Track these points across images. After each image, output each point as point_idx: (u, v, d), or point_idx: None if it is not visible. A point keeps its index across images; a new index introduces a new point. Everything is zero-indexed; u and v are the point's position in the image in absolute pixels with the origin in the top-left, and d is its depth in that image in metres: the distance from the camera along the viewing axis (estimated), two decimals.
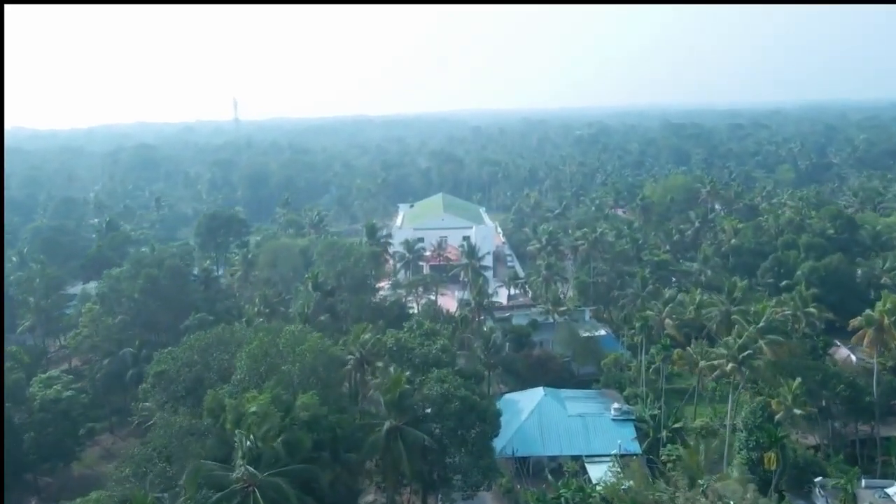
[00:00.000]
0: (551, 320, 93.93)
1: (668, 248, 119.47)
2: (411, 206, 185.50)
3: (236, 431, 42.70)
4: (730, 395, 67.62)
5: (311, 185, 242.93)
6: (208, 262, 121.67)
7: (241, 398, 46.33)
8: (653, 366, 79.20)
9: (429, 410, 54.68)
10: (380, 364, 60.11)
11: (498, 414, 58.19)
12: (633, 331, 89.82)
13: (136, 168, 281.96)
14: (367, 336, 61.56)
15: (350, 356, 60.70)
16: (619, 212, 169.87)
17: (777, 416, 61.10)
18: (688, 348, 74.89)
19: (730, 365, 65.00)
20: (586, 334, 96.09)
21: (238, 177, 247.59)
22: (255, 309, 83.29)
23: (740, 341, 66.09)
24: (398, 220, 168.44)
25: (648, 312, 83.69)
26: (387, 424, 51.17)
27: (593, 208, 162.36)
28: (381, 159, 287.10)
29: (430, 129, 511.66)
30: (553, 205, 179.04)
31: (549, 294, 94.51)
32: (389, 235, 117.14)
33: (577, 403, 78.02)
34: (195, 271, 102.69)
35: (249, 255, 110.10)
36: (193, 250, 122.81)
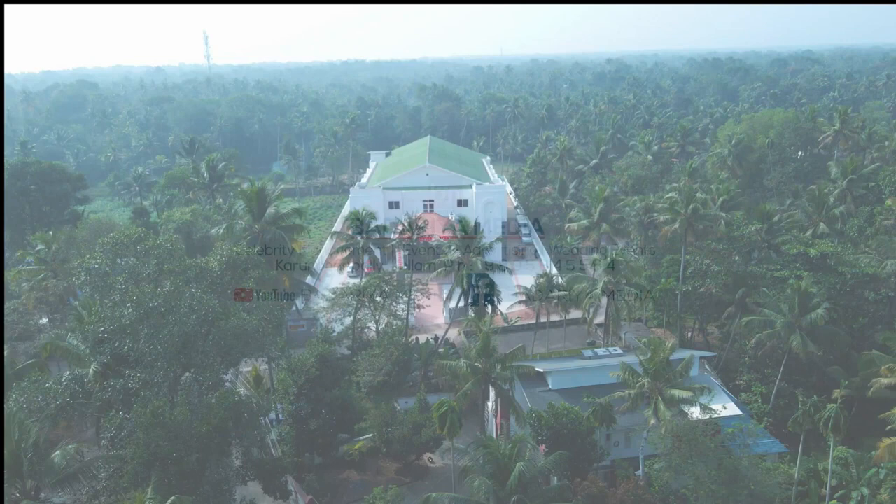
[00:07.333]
0: (634, 401, 43.27)
1: (824, 228, 67.54)
2: (387, 155, 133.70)
3: None
4: None
5: (267, 128, 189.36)
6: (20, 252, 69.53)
7: None
8: None
9: None
10: None
11: None
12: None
13: (59, 110, 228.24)
14: None
15: None
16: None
17: None
18: None
19: None
20: (701, 415, 45.73)
21: (174, 118, 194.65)
22: None
23: None
24: (365, 176, 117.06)
25: None
26: None
27: (650, 157, 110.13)
28: (359, 97, 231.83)
29: (427, 71, 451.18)
30: (585, 152, 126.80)
31: (646, 353, 43.41)
32: (299, 213, 60.85)
33: None
34: None
35: (55, 247, 59.18)
36: None
